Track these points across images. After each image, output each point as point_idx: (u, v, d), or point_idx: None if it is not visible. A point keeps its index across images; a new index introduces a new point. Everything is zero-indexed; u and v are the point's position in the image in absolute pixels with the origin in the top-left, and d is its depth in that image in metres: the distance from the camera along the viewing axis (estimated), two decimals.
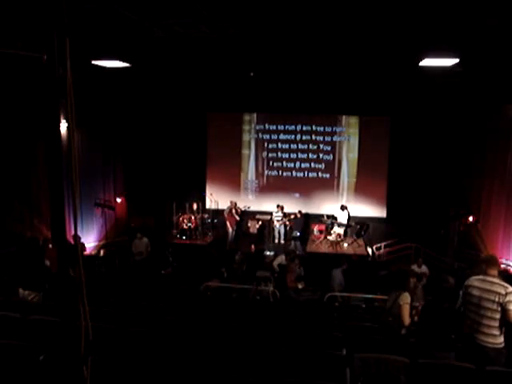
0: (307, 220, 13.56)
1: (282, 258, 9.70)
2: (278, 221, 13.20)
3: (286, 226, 13.41)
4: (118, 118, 12.47)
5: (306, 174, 14.18)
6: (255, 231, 13.23)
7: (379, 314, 5.62)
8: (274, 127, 14.17)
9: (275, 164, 14.31)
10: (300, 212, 13.04)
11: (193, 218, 13.10)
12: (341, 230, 12.68)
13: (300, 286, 8.75)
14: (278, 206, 13.24)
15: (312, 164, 14.09)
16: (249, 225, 13.44)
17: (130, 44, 7.42)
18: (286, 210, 13.36)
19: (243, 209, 13.77)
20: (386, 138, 13.41)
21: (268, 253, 10.20)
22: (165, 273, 8.69)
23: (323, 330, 5.11)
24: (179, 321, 5.20)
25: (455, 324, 4.46)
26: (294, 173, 14.23)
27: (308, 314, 6.36)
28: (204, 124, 14.27)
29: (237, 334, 4.71)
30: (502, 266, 10.14)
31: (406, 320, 4.61)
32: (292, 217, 13.09)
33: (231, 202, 13.42)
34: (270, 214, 13.51)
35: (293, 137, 14.09)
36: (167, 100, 13.39)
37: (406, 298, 4.66)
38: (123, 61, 7.82)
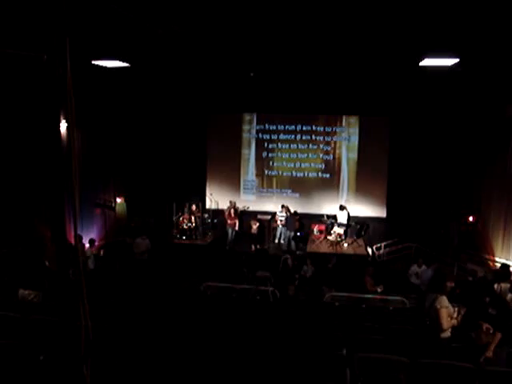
0: (302, 219, 13.53)
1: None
2: (281, 221, 13.14)
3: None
4: (119, 119, 12.45)
5: (306, 174, 14.17)
6: (255, 231, 13.22)
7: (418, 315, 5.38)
8: (274, 127, 14.15)
9: (275, 164, 14.29)
10: (287, 208, 13.08)
11: (193, 218, 13.11)
12: (341, 230, 12.67)
13: (379, 290, 8.40)
14: (282, 207, 13.19)
15: (312, 164, 14.08)
16: (249, 225, 13.42)
17: (129, 44, 7.42)
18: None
19: (242, 209, 13.78)
20: (385, 137, 13.41)
21: (306, 267, 9.84)
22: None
23: (323, 330, 5.11)
24: (179, 321, 5.20)
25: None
26: (293, 173, 14.22)
27: (308, 314, 6.36)
28: (204, 124, 14.27)
29: (237, 334, 4.71)
30: None
31: (445, 324, 4.47)
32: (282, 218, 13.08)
33: (231, 202, 13.43)
34: (270, 214, 13.50)
35: (293, 137, 14.08)
36: (167, 100, 13.39)
37: (443, 302, 4.51)
38: (123, 61, 7.82)
